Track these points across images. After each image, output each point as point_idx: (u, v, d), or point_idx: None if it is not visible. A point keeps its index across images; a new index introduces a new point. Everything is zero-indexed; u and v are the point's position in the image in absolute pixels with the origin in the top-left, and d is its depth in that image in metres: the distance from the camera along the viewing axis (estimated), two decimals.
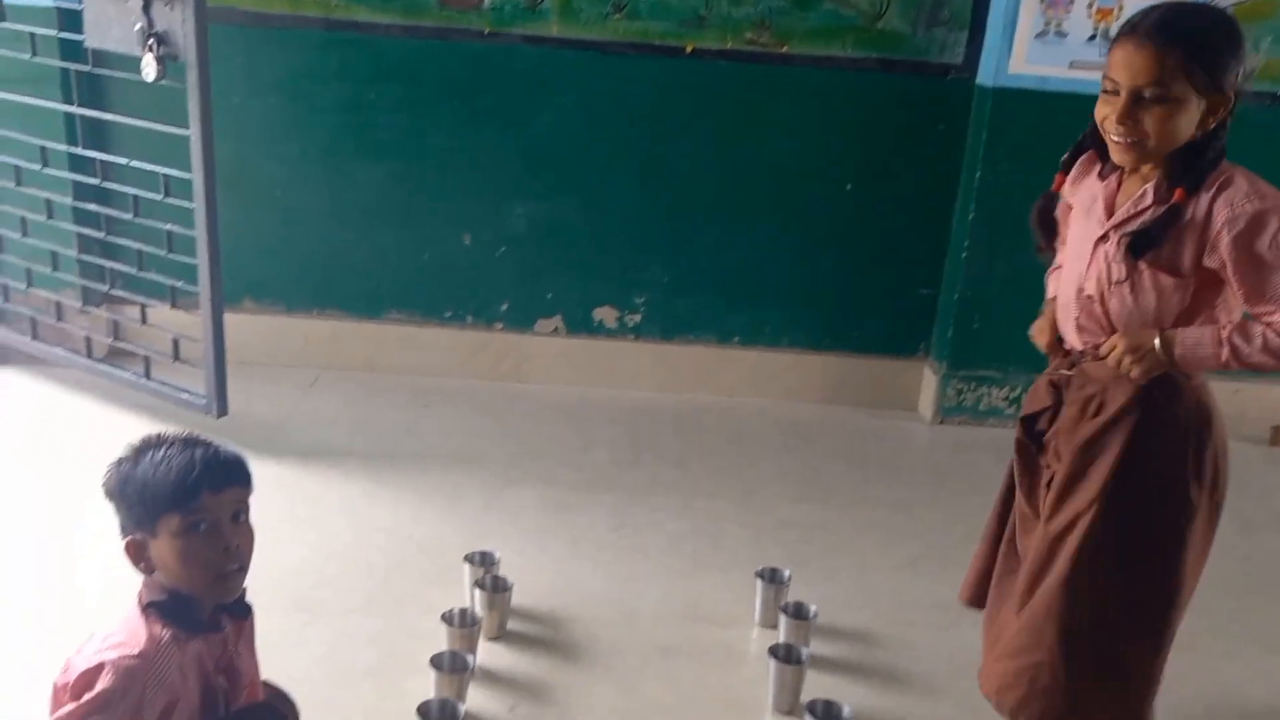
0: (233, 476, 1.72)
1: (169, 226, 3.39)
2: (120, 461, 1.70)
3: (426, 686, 2.27)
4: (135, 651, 1.61)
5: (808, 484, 3.58)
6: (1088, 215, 1.92)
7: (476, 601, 2.57)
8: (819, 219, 4.10)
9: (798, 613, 2.62)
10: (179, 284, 3.44)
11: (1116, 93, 1.76)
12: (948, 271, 4.09)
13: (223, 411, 3.42)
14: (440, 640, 2.43)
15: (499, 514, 3.20)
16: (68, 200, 3.66)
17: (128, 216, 3.50)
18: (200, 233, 3.27)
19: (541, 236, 4.09)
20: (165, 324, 3.57)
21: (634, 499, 3.36)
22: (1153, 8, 1.76)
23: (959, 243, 4.00)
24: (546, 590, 2.80)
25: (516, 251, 4.11)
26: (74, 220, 3.70)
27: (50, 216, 3.66)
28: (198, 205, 3.24)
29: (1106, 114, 1.79)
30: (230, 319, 3.49)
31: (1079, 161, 1.96)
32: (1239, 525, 3.48)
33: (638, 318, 4.19)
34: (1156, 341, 1.81)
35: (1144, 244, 1.79)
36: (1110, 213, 1.87)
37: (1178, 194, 1.77)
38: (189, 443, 1.70)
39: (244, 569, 1.72)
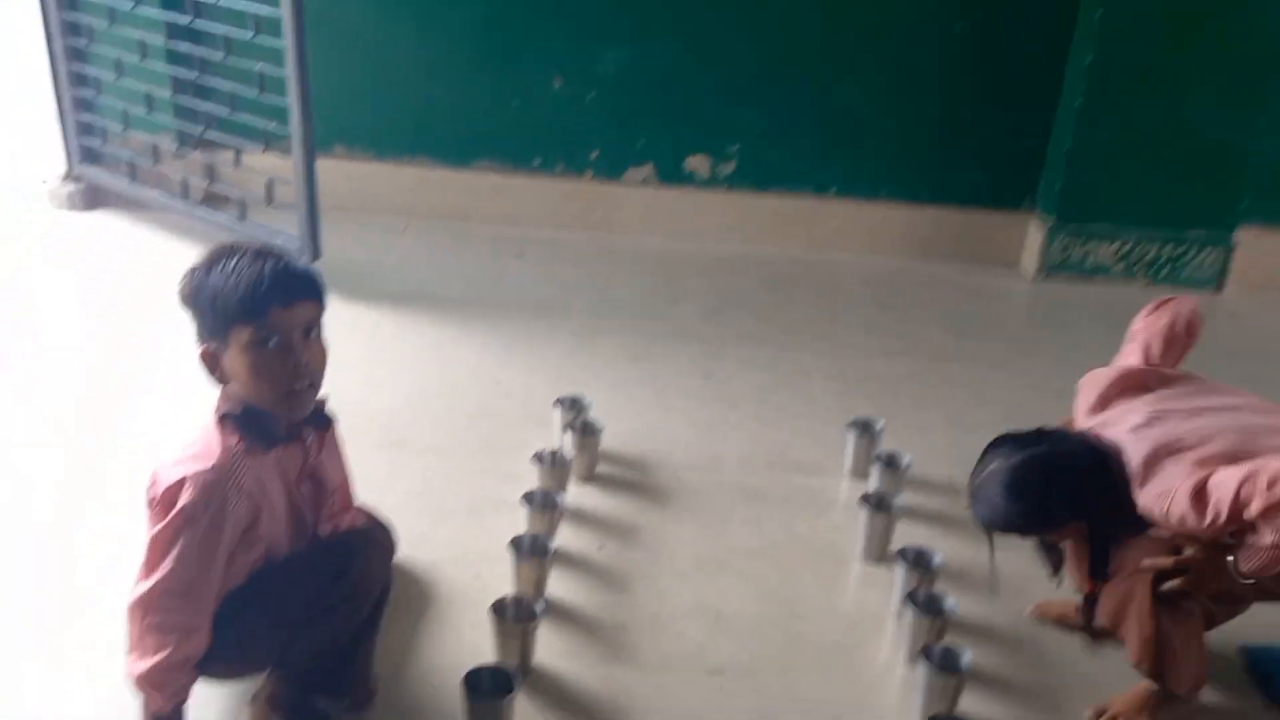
0: (303, 291, 1.71)
1: (260, 67, 3.36)
2: (194, 270, 1.71)
3: (517, 523, 2.30)
4: (211, 464, 1.65)
5: (900, 338, 3.50)
6: None
7: (567, 444, 2.58)
8: (923, 62, 3.90)
9: (891, 462, 2.58)
10: (271, 126, 3.43)
11: None
12: (1059, 119, 3.87)
13: (316, 255, 3.45)
14: (530, 481, 2.45)
15: (585, 362, 3.20)
16: (160, 41, 3.65)
17: (219, 57, 3.48)
18: (290, 71, 3.23)
19: (633, 81, 3.97)
20: (259, 168, 3.58)
21: (721, 350, 3.33)
22: (973, 498, 1.94)
23: (1073, 89, 3.77)
24: (634, 436, 2.81)
25: (607, 97, 4.00)
26: (167, 61, 3.69)
27: (144, 58, 3.66)
28: (287, 42, 3.20)
29: None
30: (322, 165, 3.48)
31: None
32: None
33: (731, 167, 4.08)
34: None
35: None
36: None
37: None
38: (260, 254, 1.69)
39: (315, 386, 1.74)
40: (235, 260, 1.68)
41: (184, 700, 1.72)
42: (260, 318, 1.66)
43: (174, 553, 1.63)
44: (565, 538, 2.39)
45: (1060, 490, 1.85)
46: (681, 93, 3.97)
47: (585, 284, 3.74)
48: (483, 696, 1.81)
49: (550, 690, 1.98)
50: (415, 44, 3.96)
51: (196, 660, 1.70)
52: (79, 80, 3.86)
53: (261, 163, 3.59)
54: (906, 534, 2.43)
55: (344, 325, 3.29)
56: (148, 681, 1.67)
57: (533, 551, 2.17)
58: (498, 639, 1.97)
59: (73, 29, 3.78)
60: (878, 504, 2.41)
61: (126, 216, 3.97)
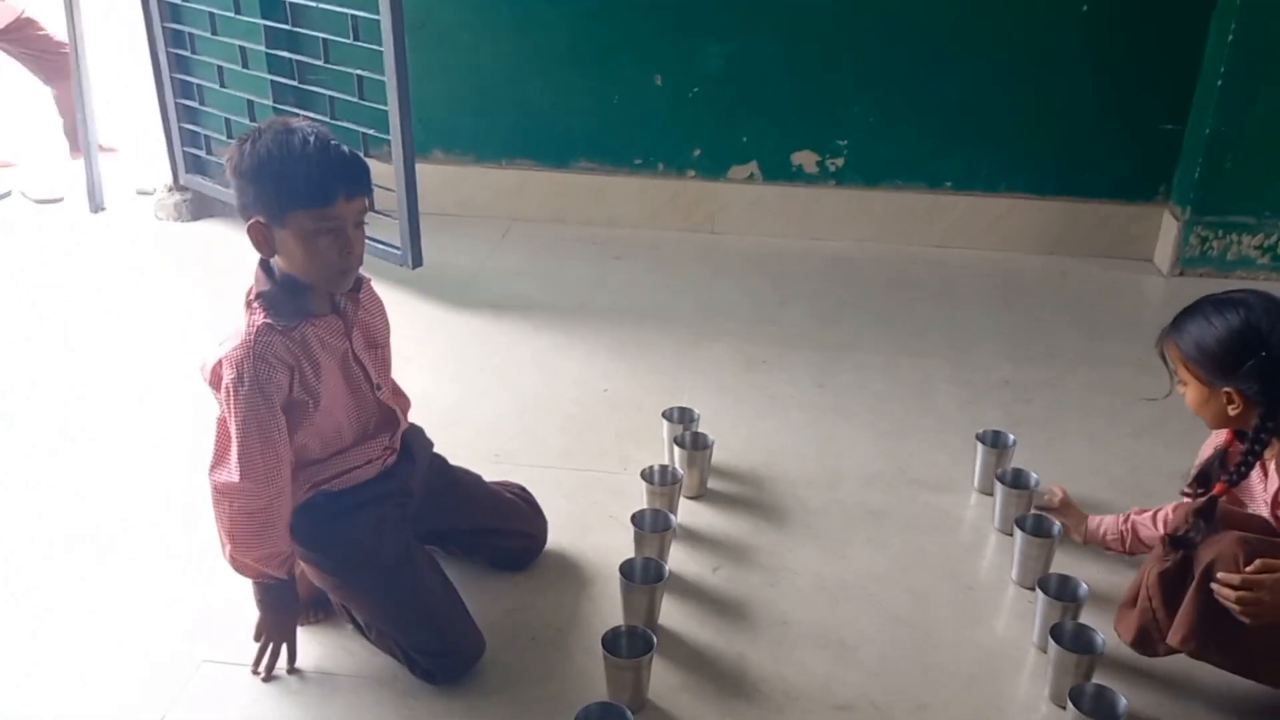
0: (364, 185, 1.81)
1: (359, 71, 3.31)
2: (253, 142, 1.76)
3: (626, 542, 2.18)
4: (238, 343, 1.77)
5: (1028, 341, 3.28)
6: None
7: (676, 458, 2.46)
8: (1045, 45, 3.66)
9: (1016, 481, 2.40)
10: (370, 131, 3.37)
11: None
12: (1197, 103, 3.61)
13: (418, 262, 3.38)
14: (637, 497, 2.34)
15: (693, 369, 3.07)
16: (260, 47, 3.63)
17: (318, 62, 3.44)
18: (389, 76, 3.17)
19: (735, 75, 3.82)
20: None
21: (836, 356, 3.16)
22: (1200, 301, 1.89)
23: (1213, 69, 3.51)
24: (746, 449, 2.67)
25: (709, 92, 3.86)
26: (267, 68, 3.67)
27: (245, 65, 3.65)
28: (386, 47, 3.14)
29: None
30: (421, 169, 3.41)
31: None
32: None
33: (839, 162, 3.91)
34: None
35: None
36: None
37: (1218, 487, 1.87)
38: (321, 139, 1.76)
39: (359, 266, 1.86)
40: (299, 143, 1.73)
41: (291, 569, 1.88)
42: (327, 205, 1.73)
43: (235, 431, 1.76)
44: (677, 559, 2.26)
45: (1253, 344, 1.77)
46: (786, 87, 3.81)
47: (690, 288, 3.61)
48: None
49: None
50: (513, 44, 3.88)
51: (285, 532, 1.84)
52: (183, 89, 3.87)
53: None
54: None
55: (446, 334, 3.25)
56: (247, 566, 1.84)
57: (644, 578, 2.05)
58: (609, 674, 1.85)
59: (176, 38, 3.78)
60: (1035, 528, 2.23)
61: (229, 225, 3.97)
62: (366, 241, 3.35)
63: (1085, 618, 2.00)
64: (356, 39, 3.26)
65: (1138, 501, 2.46)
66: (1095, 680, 1.85)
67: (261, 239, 1.78)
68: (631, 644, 1.88)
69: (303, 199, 1.72)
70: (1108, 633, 1.96)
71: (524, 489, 2.28)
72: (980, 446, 2.53)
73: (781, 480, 2.56)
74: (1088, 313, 3.48)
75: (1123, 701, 1.78)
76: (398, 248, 3.38)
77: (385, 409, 2.00)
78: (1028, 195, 3.85)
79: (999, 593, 2.23)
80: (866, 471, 2.61)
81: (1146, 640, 1.91)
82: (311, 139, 1.74)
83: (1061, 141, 3.78)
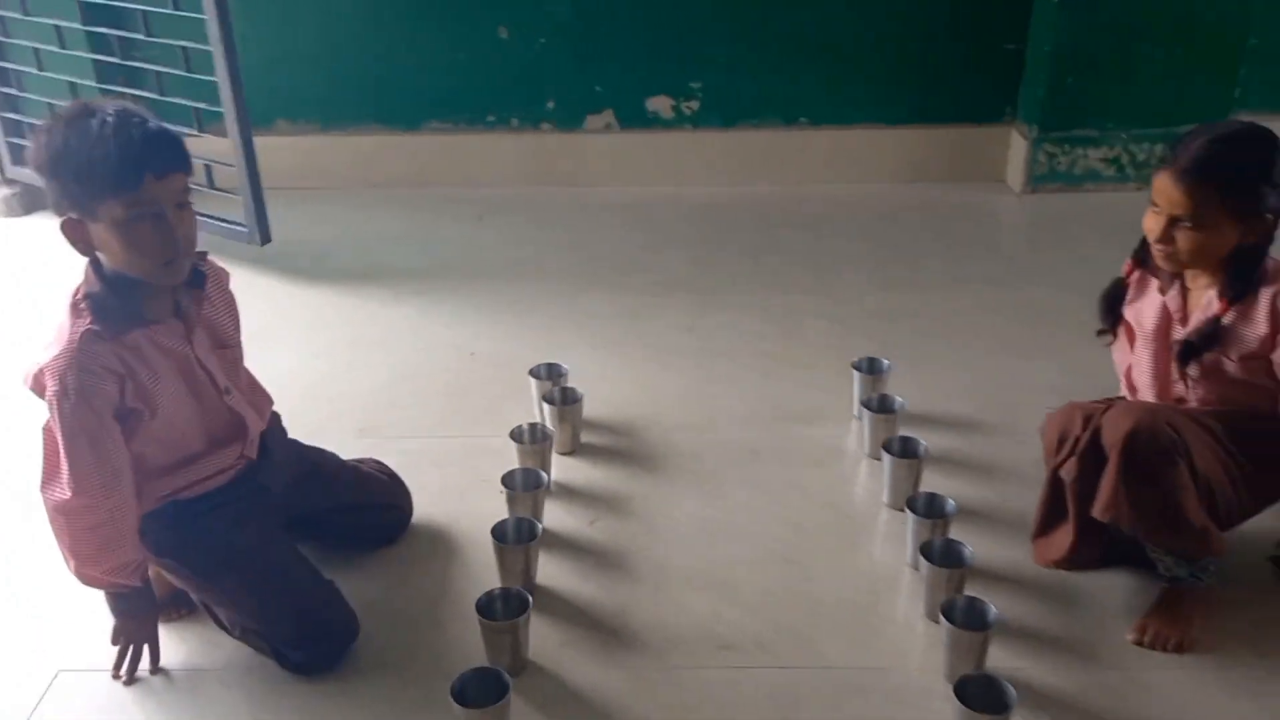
0: (176, 162, 1.66)
1: (183, 43, 3.14)
2: (48, 132, 1.64)
3: (500, 507, 2.14)
4: (59, 350, 1.66)
5: (893, 269, 3.32)
6: (1157, 328, 1.97)
7: (546, 416, 2.41)
8: None
9: (883, 406, 2.42)
10: (203, 106, 3.21)
11: (1157, 211, 1.86)
12: (1035, 21, 3.67)
13: (266, 239, 3.25)
14: (512, 459, 2.29)
15: (566, 325, 3.02)
16: (78, 26, 3.41)
17: (141, 36, 3.26)
18: (215, 45, 3.01)
19: (583, 23, 3.75)
20: (196, 152, 3.36)
21: (708, 299, 3.15)
22: (1193, 136, 1.83)
23: None
24: (621, 400, 2.64)
25: (558, 42, 3.78)
26: (88, 47, 3.46)
27: (63, 45, 3.43)
28: (209, 15, 2.98)
29: (1150, 228, 1.89)
30: (265, 143, 3.28)
31: (1136, 279, 2.02)
32: None
33: (695, 105, 3.88)
34: None
35: (1191, 353, 1.90)
36: (1183, 321, 1.94)
37: (1221, 307, 1.87)
38: (124, 118, 1.62)
39: (190, 254, 1.71)
40: (98, 124, 1.59)
41: (144, 576, 1.80)
42: (134, 191, 1.59)
43: (62, 445, 1.67)
44: (554, 516, 2.23)
45: (1278, 163, 1.80)
46: (635, 32, 3.76)
47: (558, 242, 3.55)
48: (474, 704, 1.65)
49: (548, 687, 1.82)
50: (350, 5, 3.74)
51: (133, 540, 1.75)
52: (0, 76, 3.63)
53: (199, 146, 3.36)
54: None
55: (305, 309, 3.14)
56: (95, 579, 1.76)
57: (518, 538, 2.01)
58: (486, 638, 1.82)
59: None
60: (902, 450, 2.25)
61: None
62: (209, 221, 3.24)
63: (954, 534, 2.03)
64: (177, 8, 3.09)
65: (1005, 415, 2.53)
66: (966, 593, 1.88)
67: (77, 237, 1.66)
68: (507, 606, 1.84)
69: (108, 187, 1.59)
70: (976, 547, 1.99)
71: (380, 462, 2.21)
72: (856, 374, 2.55)
73: (656, 428, 2.54)
74: (948, 236, 3.54)
75: (992, 610, 1.81)
76: (243, 225, 3.24)
77: (235, 415, 1.88)
78: (882, 125, 3.88)
79: (873, 517, 2.25)
80: (741, 411, 2.61)
81: (1084, 544, 2.00)
82: (110, 119, 1.60)
83: (911, 69, 3.81)
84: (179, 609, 1.97)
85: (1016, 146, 3.82)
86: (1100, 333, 2.08)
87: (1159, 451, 1.79)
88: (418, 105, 3.87)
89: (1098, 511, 1.84)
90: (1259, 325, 1.85)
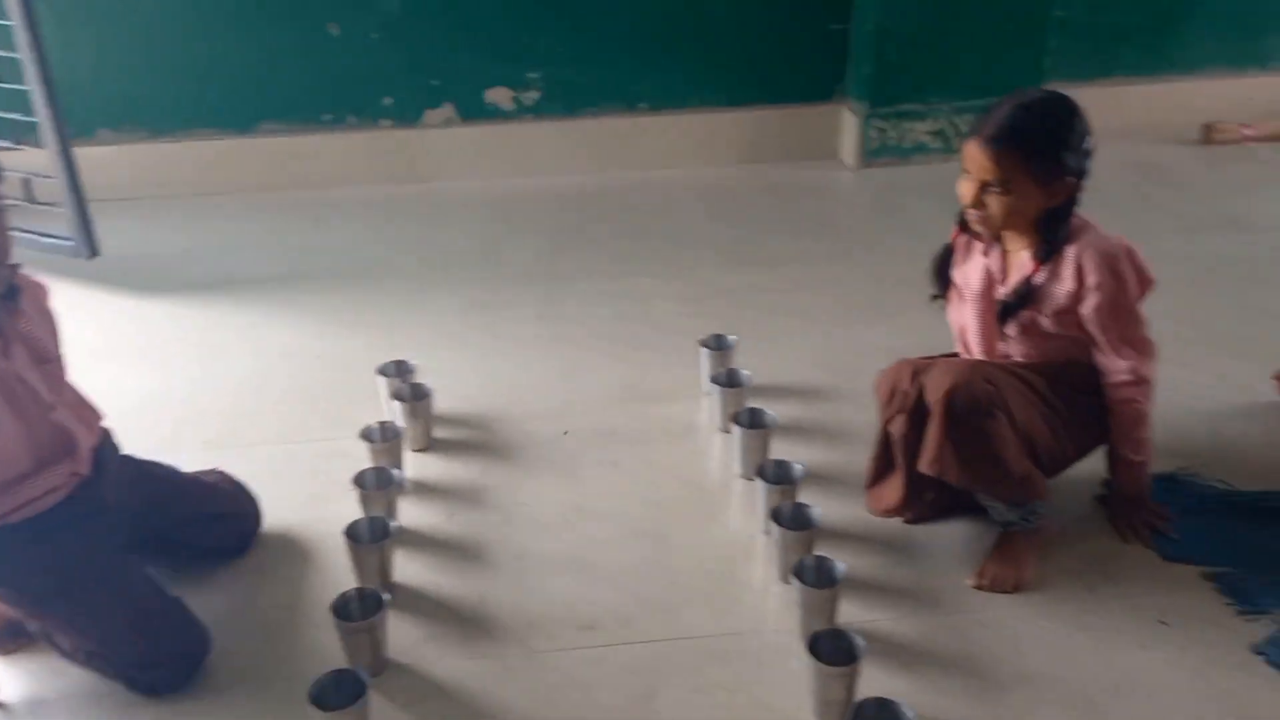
0: None
1: None
2: None
3: (354, 508, 2.11)
4: None
5: (737, 248, 3.40)
6: (980, 289, 2.07)
7: (396, 414, 2.39)
8: None
9: (731, 380, 2.48)
10: (16, 116, 3.06)
11: (969, 177, 1.95)
12: (859, 2, 3.79)
13: (94, 252, 3.13)
14: (364, 459, 2.26)
15: (415, 322, 2.99)
16: None
17: None
18: (25, 52, 2.87)
19: (415, 17, 3.71)
20: (13, 165, 3.20)
21: (557, 287, 3.16)
22: (998, 106, 1.92)
23: None
24: (473, 393, 2.64)
25: (390, 37, 3.73)
26: None
27: None
28: (15, 20, 2.84)
29: (964, 195, 1.97)
30: (89, 153, 3.16)
31: (960, 244, 2.11)
32: (1180, 228, 3.40)
33: (535, 95, 3.88)
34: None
35: (1010, 311, 2.01)
36: (1004, 281, 2.05)
37: (1033, 267, 1.98)
38: None
39: (1, 268, 1.67)
40: None
41: None
42: None
43: None
44: (410, 514, 2.21)
45: (1077, 129, 1.91)
46: (469, 24, 3.73)
47: (405, 240, 3.51)
48: (334, 707, 1.63)
49: (410, 684, 1.81)
50: (172, 7, 3.60)
51: None
52: None
53: (16, 159, 3.22)
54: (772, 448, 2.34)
55: (143, 323, 3.02)
56: None
57: (372, 538, 1.99)
58: (344, 640, 1.79)
59: None
60: (751, 421, 2.32)
61: None
62: (31, 237, 3.10)
63: (803, 497, 2.10)
64: None
65: (848, 380, 2.61)
66: (817, 553, 1.95)
67: None
68: (364, 606, 1.82)
69: None
70: (825, 508, 2.07)
71: (224, 472, 2.16)
72: (704, 351, 2.60)
73: (510, 418, 2.54)
74: (789, 213, 3.63)
75: (840, 567, 1.89)
76: (69, 238, 3.11)
77: (63, 431, 1.81)
78: (720, 108, 3.96)
79: (727, 488, 2.31)
80: (595, 395, 2.63)
81: (912, 494, 2.09)
82: None
83: (742, 52, 3.89)
84: (16, 639, 1.88)
85: (848, 123, 3.94)
86: (934, 297, 2.18)
87: (977, 407, 1.88)
88: (250, 107, 3.77)
89: (924, 466, 1.93)
90: (1066, 282, 1.96)
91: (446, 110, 3.85)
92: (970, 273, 2.10)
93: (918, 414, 1.98)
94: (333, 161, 3.85)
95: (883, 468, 2.13)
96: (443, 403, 2.52)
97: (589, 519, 2.21)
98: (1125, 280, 1.94)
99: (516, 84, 3.86)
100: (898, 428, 2.02)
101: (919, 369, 2.01)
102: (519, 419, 2.54)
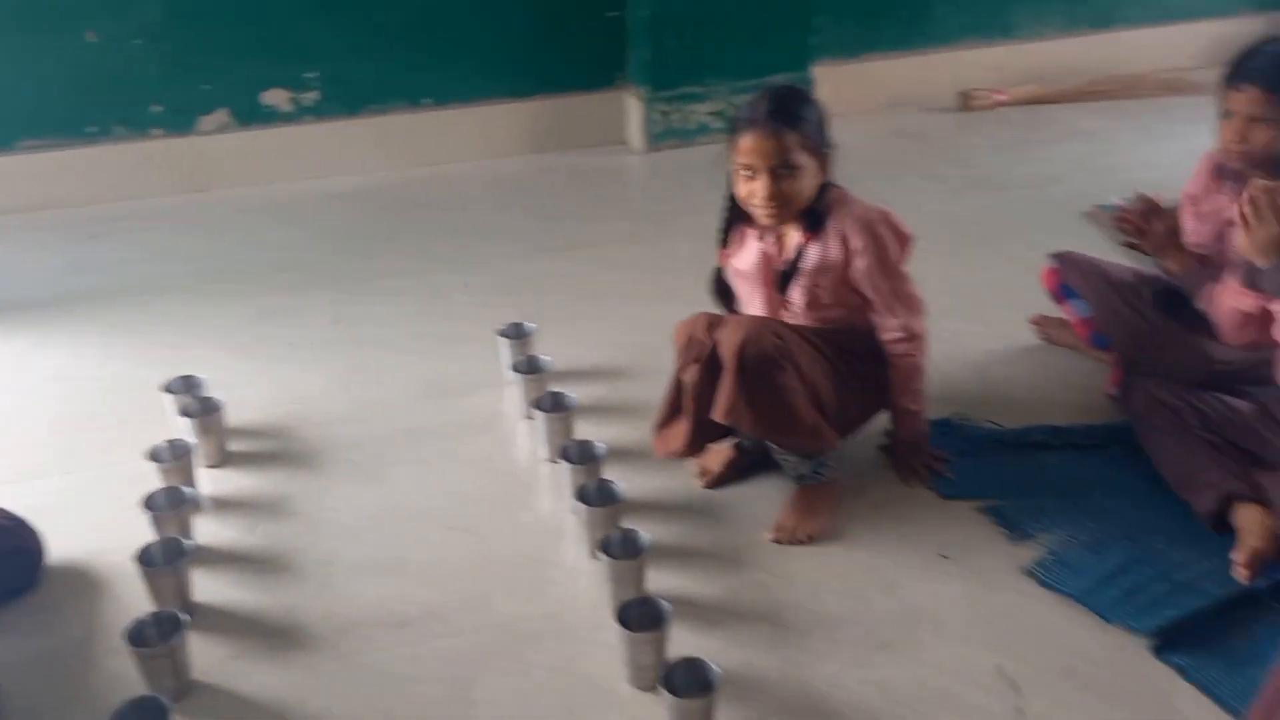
0: None
1: None
2: None
3: (147, 531, 2.03)
4: None
5: (532, 237, 3.42)
6: (760, 271, 2.17)
7: (186, 430, 2.31)
8: None
9: (532, 367, 2.51)
10: None
11: (754, 175, 2.01)
12: None
13: None
14: (155, 480, 2.17)
15: (202, 336, 2.89)
16: None
17: None
18: None
19: (178, 21, 3.56)
20: None
21: (352, 290, 3.11)
22: (759, 98, 2.02)
23: None
24: (269, 403, 2.57)
25: (154, 42, 3.57)
26: None
27: None
28: None
29: (751, 191, 2.04)
30: None
31: (734, 233, 2.19)
32: (943, 189, 3.63)
33: (315, 95, 3.79)
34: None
35: (787, 282, 2.13)
36: (779, 257, 2.15)
37: (804, 239, 2.10)
38: None
39: None
40: None
41: None
42: None
43: None
44: (208, 532, 2.14)
45: (820, 106, 2.06)
46: (237, 26, 3.61)
47: (184, 252, 3.37)
48: None
49: (218, 704, 1.77)
50: None
51: None
52: None
53: None
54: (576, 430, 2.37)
55: None
56: None
57: (166, 559, 1.92)
58: (142, 666, 1.73)
59: None
60: (553, 405, 2.35)
61: None
62: None
63: (608, 474, 2.15)
64: None
65: (646, 359, 2.67)
66: (623, 526, 2.00)
67: None
68: (161, 630, 1.76)
69: None
70: (631, 483, 2.13)
71: None
72: (503, 340, 2.62)
73: (309, 424, 2.49)
74: (580, 200, 3.68)
75: (645, 538, 1.94)
76: None
77: None
78: (505, 99, 3.97)
79: (534, 473, 2.34)
80: (397, 394, 2.61)
81: (697, 439, 2.14)
82: None
83: (524, 42, 3.91)
84: None
85: (632, 108, 4.02)
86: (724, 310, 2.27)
87: (767, 359, 1.98)
88: (6, 123, 3.53)
89: (718, 415, 2.02)
90: (834, 250, 2.08)
91: (221, 115, 3.71)
92: (747, 259, 2.19)
93: (711, 365, 2.05)
94: (102, 175, 3.65)
95: (672, 413, 2.18)
96: (237, 415, 2.44)
97: (397, 518, 2.19)
98: (885, 241, 2.08)
99: (294, 85, 3.76)
100: (690, 376, 2.09)
101: (714, 322, 2.09)
102: (319, 425, 2.49)
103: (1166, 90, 4.25)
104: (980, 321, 2.81)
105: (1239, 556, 1.95)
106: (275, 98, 3.75)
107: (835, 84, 3.96)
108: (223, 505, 2.23)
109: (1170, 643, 1.84)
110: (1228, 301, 2.03)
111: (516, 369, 2.51)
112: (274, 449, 2.41)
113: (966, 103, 4.26)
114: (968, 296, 2.91)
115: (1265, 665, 1.56)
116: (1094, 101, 4.29)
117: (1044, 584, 1.98)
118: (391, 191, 3.76)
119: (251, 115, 3.74)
